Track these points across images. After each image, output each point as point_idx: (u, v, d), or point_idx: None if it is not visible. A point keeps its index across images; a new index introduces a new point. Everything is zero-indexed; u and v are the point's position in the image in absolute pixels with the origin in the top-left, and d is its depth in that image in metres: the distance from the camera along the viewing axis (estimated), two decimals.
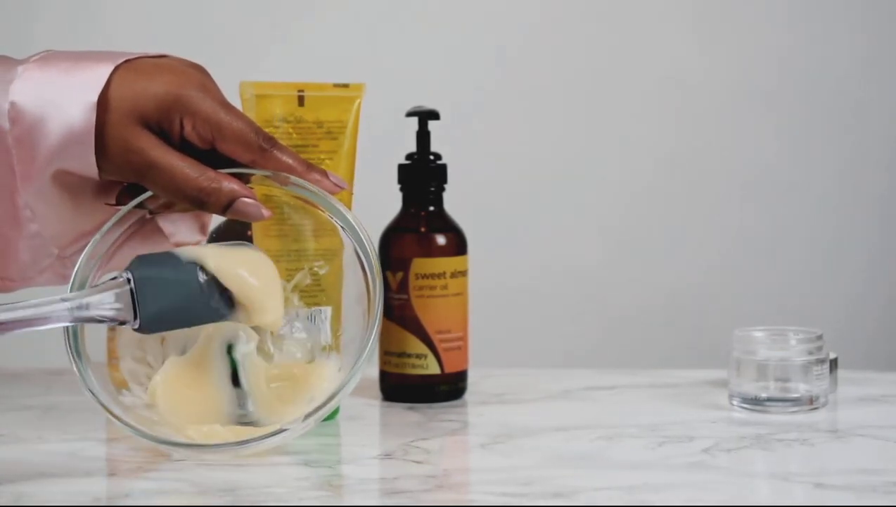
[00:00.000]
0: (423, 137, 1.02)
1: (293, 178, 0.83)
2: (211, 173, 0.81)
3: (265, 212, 0.82)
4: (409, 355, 0.98)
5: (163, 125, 0.81)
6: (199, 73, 0.83)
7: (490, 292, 1.66)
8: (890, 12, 1.89)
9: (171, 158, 0.81)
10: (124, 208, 0.83)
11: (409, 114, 1.01)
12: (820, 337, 0.97)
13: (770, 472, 0.79)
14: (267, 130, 0.91)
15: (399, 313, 0.99)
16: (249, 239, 0.93)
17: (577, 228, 1.86)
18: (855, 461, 0.82)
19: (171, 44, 1.82)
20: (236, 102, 0.91)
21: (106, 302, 0.78)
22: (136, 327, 0.78)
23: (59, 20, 1.80)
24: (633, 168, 1.86)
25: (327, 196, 0.84)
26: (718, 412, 0.95)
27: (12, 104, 0.80)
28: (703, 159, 1.87)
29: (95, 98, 0.79)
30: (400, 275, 0.99)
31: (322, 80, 0.94)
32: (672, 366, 1.19)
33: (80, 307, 0.77)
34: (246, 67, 1.71)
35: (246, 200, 0.81)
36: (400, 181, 1.01)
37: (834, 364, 1.01)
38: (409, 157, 1.02)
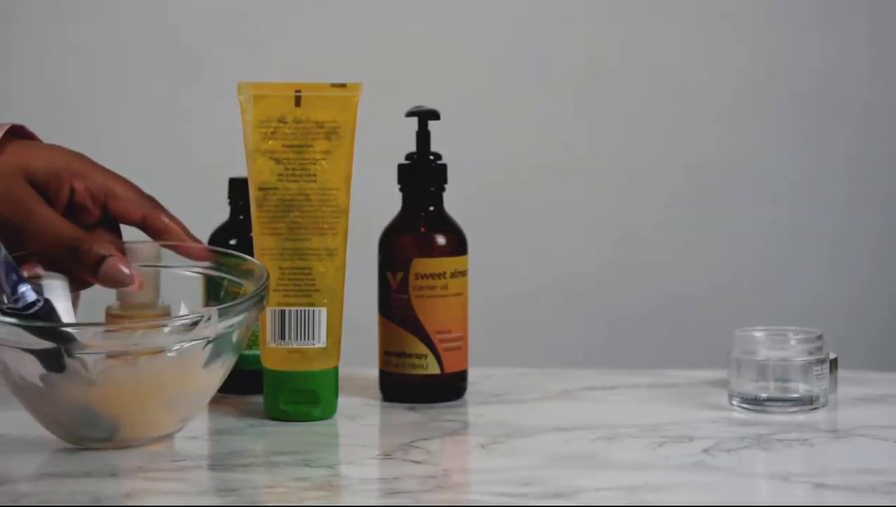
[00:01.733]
0: (423, 137, 1.01)
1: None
2: (88, 234, 0.84)
3: (136, 280, 0.84)
4: (409, 355, 0.98)
5: (50, 188, 0.84)
6: (83, 154, 0.87)
7: (490, 292, 1.66)
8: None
9: (52, 213, 0.84)
10: None
11: (409, 114, 1.01)
12: (820, 337, 0.97)
13: (770, 472, 0.79)
14: (263, 130, 0.91)
15: (399, 313, 0.98)
16: (250, 241, 0.93)
17: (578, 228, 1.86)
18: (855, 461, 0.82)
19: (169, 43, 1.83)
20: (234, 102, 0.91)
21: None
22: None
23: (61, 18, 1.80)
24: (633, 169, 1.86)
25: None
26: (718, 412, 0.95)
27: None
28: (705, 161, 1.87)
29: None
30: (400, 275, 0.99)
31: (321, 80, 0.94)
32: (672, 366, 1.19)
33: None
34: (245, 67, 1.71)
35: (118, 261, 0.84)
36: (400, 181, 1.01)
37: (834, 364, 1.01)
38: (409, 157, 1.01)
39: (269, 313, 0.91)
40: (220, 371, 0.85)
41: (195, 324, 0.81)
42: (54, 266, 0.85)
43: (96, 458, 0.82)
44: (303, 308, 0.92)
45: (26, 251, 0.84)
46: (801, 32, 1.88)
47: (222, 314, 0.81)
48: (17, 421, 0.90)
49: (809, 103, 1.88)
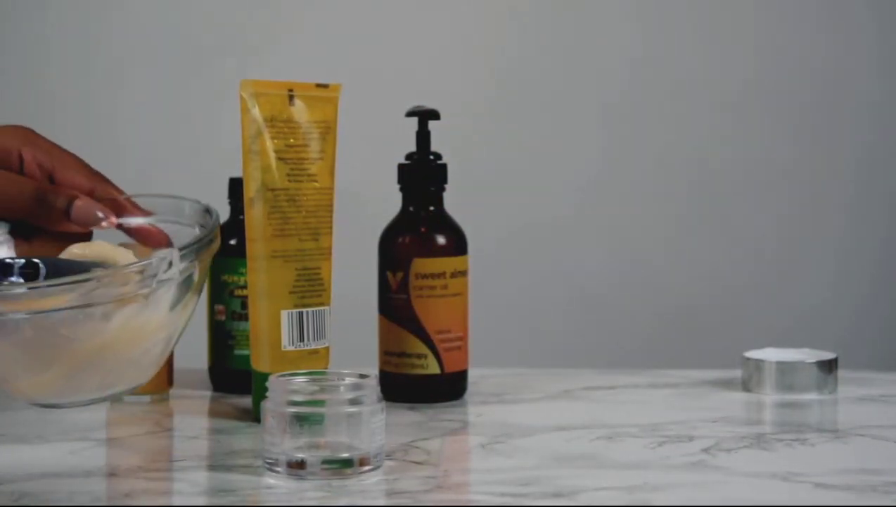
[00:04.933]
0: (423, 137, 1.02)
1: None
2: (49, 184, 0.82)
3: (112, 218, 0.82)
4: (409, 355, 0.98)
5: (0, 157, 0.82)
6: (31, 129, 0.85)
7: (490, 292, 1.66)
8: None
9: (8, 171, 0.82)
10: None
11: (409, 114, 1.01)
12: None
13: (770, 472, 0.79)
14: (268, 129, 0.91)
15: (399, 313, 0.99)
16: (244, 238, 0.93)
17: (578, 227, 1.86)
18: (855, 461, 0.82)
19: (169, 43, 1.82)
20: (235, 102, 0.91)
21: None
22: None
23: (60, 18, 1.80)
24: (635, 170, 1.86)
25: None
26: (718, 412, 0.95)
27: None
28: (706, 161, 1.87)
29: None
30: (400, 275, 0.99)
31: (327, 80, 0.94)
32: (674, 366, 1.19)
33: None
34: (245, 67, 1.71)
35: (88, 200, 0.81)
36: (400, 181, 1.01)
37: (834, 364, 1.01)
38: (409, 157, 1.02)
39: (286, 316, 0.91)
40: (188, 309, 0.83)
41: (160, 268, 0.78)
42: (18, 225, 0.82)
43: (96, 458, 0.82)
44: (317, 309, 0.92)
45: None
46: (806, 34, 1.88)
47: (183, 256, 0.79)
48: (17, 421, 0.90)
49: (814, 106, 1.88)
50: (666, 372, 1.10)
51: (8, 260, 0.77)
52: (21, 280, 0.77)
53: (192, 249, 0.82)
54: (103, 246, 0.83)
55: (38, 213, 0.82)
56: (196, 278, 0.83)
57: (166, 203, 0.89)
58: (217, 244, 0.84)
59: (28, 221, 0.83)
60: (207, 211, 0.84)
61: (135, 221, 0.86)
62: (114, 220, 0.83)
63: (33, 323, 0.78)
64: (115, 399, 0.83)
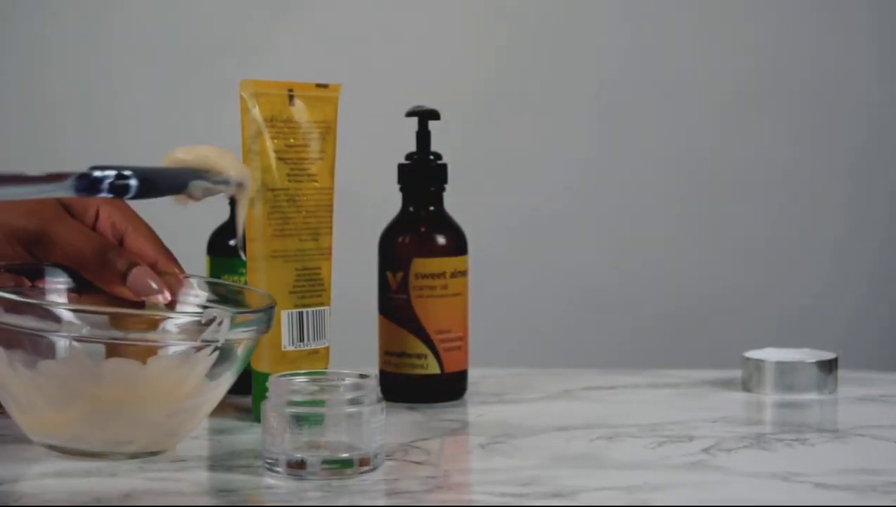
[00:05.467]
0: (423, 137, 1.01)
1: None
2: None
3: (166, 293, 0.83)
4: (409, 355, 0.98)
5: (76, 207, 0.84)
6: None
7: (490, 292, 1.66)
8: None
9: (81, 223, 0.83)
10: None
11: (409, 114, 1.01)
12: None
13: (770, 472, 0.79)
14: (267, 129, 0.91)
15: (399, 313, 0.98)
16: (243, 243, 0.93)
17: (578, 227, 1.86)
18: (855, 461, 0.82)
19: (169, 43, 1.82)
20: (234, 102, 0.91)
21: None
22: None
23: (61, 18, 1.80)
24: (635, 170, 1.86)
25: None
26: (718, 412, 0.95)
27: None
28: (705, 161, 1.87)
29: None
30: (400, 275, 0.99)
31: (327, 80, 0.94)
32: (674, 366, 1.19)
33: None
34: (246, 67, 1.71)
35: (147, 272, 0.82)
36: (400, 181, 1.01)
37: (834, 364, 1.01)
38: (409, 157, 1.01)
39: (286, 316, 0.91)
40: (222, 386, 0.83)
41: (208, 324, 0.78)
42: (76, 277, 0.84)
43: (96, 458, 0.82)
44: (317, 309, 0.92)
45: (47, 262, 0.84)
46: (806, 34, 1.88)
47: (234, 321, 0.79)
48: None
49: (813, 107, 1.88)
50: (666, 372, 1.10)
51: (97, 173, 0.72)
52: (111, 196, 0.73)
53: (244, 317, 0.81)
54: (208, 151, 0.81)
55: (97, 269, 0.82)
56: (239, 354, 0.82)
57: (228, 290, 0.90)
58: (268, 331, 0.83)
59: (84, 275, 0.83)
60: (270, 306, 0.84)
61: (190, 300, 0.87)
62: (167, 295, 0.83)
63: (72, 351, 0.77)
64: (117, 459, 0.82)
